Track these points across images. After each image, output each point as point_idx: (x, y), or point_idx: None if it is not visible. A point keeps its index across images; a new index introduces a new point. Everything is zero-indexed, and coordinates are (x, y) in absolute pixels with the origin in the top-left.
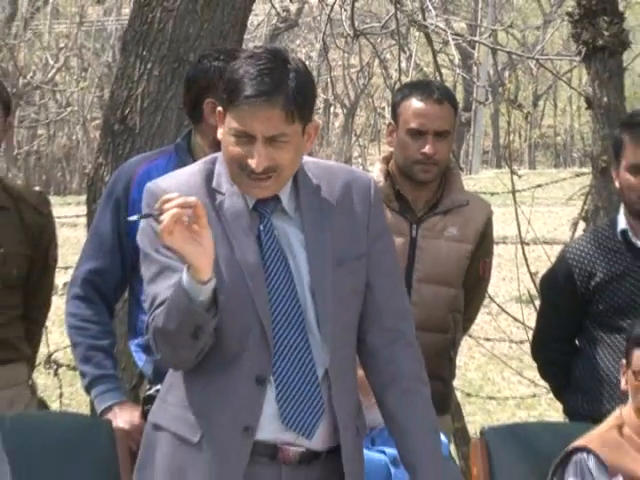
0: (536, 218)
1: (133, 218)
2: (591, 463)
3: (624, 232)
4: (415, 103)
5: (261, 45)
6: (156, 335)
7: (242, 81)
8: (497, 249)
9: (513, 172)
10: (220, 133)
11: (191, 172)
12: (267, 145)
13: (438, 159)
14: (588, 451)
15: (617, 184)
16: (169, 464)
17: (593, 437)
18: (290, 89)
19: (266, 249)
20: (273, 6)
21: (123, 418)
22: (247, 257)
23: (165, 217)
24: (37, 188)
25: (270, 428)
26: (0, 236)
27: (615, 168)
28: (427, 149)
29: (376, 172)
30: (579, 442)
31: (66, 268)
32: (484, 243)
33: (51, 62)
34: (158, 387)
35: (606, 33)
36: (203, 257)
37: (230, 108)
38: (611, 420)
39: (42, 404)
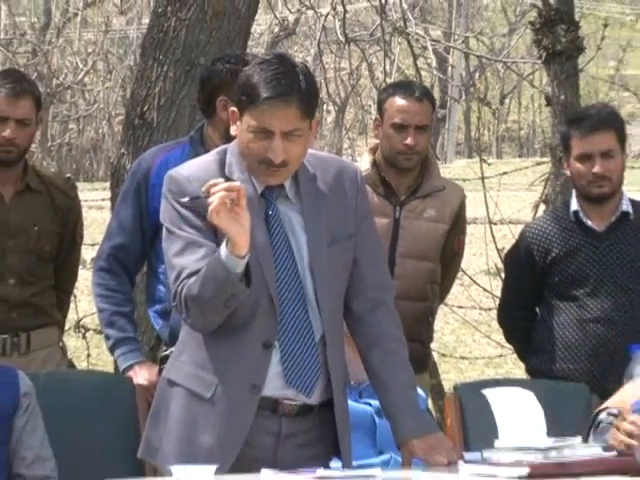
0: (502, 201)
1: (185, 200)
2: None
3: (576, 213)
4: (398, 101)
5: (269, 52)
6: (189, 302)
7: (260, 85)
8: (469, 228)
9: (482, 161)
10: (234, 130)
11: (207, 161)
12: (284, 139)
13: (419, 149)
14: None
15: (568, 172)
16: (184, 416)
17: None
18: (302, 90)
19: (272, 231)
20: (275, 16)
21: (142, 375)
22: (257, 238)
23: (214, 199)
24: (67, 175)
25: (274, 386)
26: (35, 216)
27: (566, 159)
28: (409, 141)
29: (364, 161)
30: (614, 404)
31: (93, 245)
32: (458, 223)
33: (80, 65)
34: (173, 349)
35: (563, 39)
36: (242, 234)
37: (249, 109)
38: None
39: (71, 364)
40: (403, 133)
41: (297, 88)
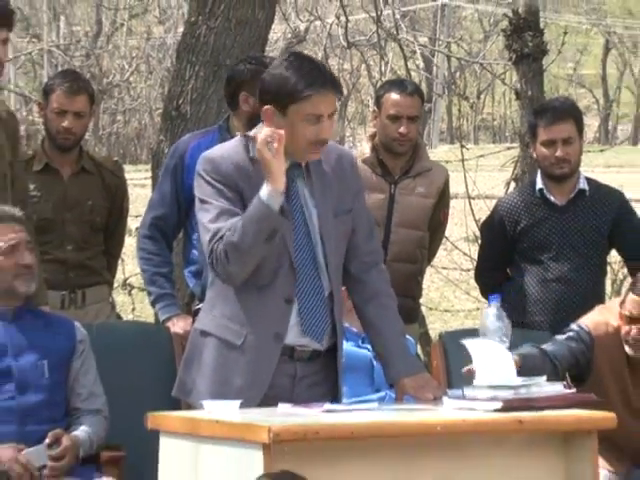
0: (479, 180)
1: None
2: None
3: (541, 190)
4: (393, 96)
5: (285, 54)
6: (229, 250)
7: (301, 81)
8: (451, 202)
9: (462, 146)
10: (267, 124)
11: (234, 145)
12: (327, 120)
13: (410, 137)
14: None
15: (535, 155)
16: (216, 362)
17: (600, 330)
18: (334, 78)
19: (291, 203)
20: (289, 25)
21: (179, 326)
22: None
23: (263, 133)
24: (115, 158)
25: (292, 334)
26: (88, 193)
27: (532, 144)
28: (402, 129)
29: (365, 146)
30: (588, 323)
31: (137, 216)
32: (443, 198)
33: (126, 67)
34: (199, 306)
35: (530, 44)
36: (281, 170)
37: (296, 102)
38: (616, 319)
39: (118, 316)
40: (397, 123)
41: (329, 77)
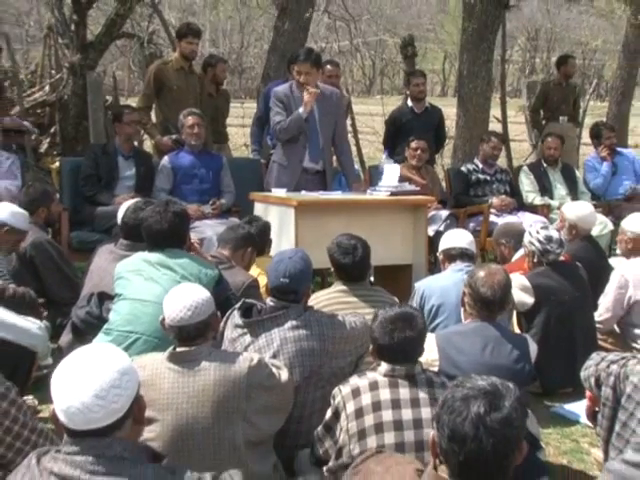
0: (386, 108)
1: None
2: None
3: (411, 107)
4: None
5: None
6: (282, 131)
7: (301, 55)
8: (372, 117)
9: (382, 95)
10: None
11: (285, 86)
12: (306, 75)
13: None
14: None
15: (408, 91)
16: (277, 172)
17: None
18: (316, 57)
19: (310, 115)
20: (314, 44)
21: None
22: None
23: (311, 94)
24: (227, 89)
25: (306, 160)
26: (220, 103)
27: (407, 87)
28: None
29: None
30: None
31: (249, 118)
32: (349, 107)
33: (252, 60)
34: (274, 150)
35: (410, 52)
36: (310, 106)
37: (295, 63)
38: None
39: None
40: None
41: (312, 56)
